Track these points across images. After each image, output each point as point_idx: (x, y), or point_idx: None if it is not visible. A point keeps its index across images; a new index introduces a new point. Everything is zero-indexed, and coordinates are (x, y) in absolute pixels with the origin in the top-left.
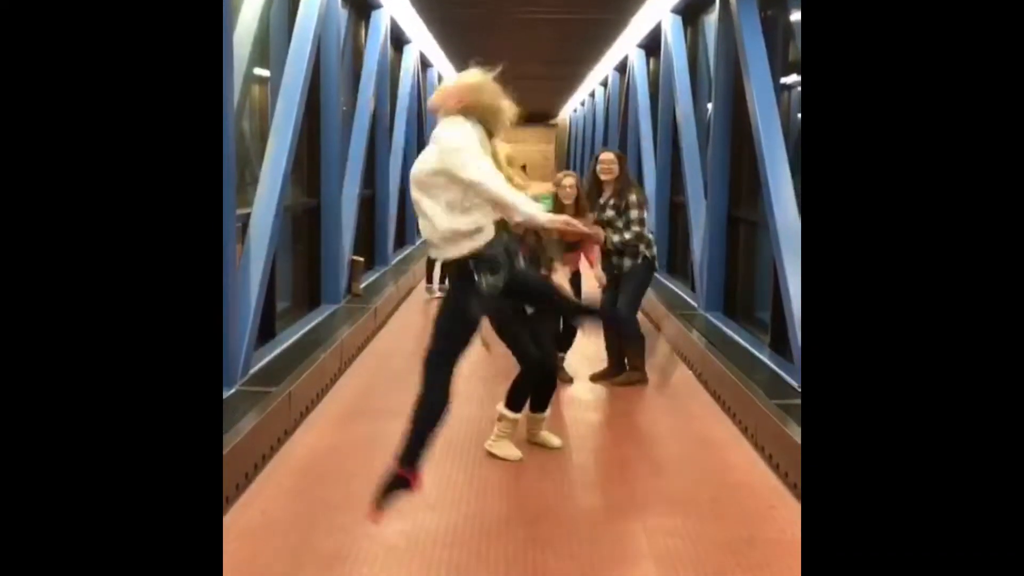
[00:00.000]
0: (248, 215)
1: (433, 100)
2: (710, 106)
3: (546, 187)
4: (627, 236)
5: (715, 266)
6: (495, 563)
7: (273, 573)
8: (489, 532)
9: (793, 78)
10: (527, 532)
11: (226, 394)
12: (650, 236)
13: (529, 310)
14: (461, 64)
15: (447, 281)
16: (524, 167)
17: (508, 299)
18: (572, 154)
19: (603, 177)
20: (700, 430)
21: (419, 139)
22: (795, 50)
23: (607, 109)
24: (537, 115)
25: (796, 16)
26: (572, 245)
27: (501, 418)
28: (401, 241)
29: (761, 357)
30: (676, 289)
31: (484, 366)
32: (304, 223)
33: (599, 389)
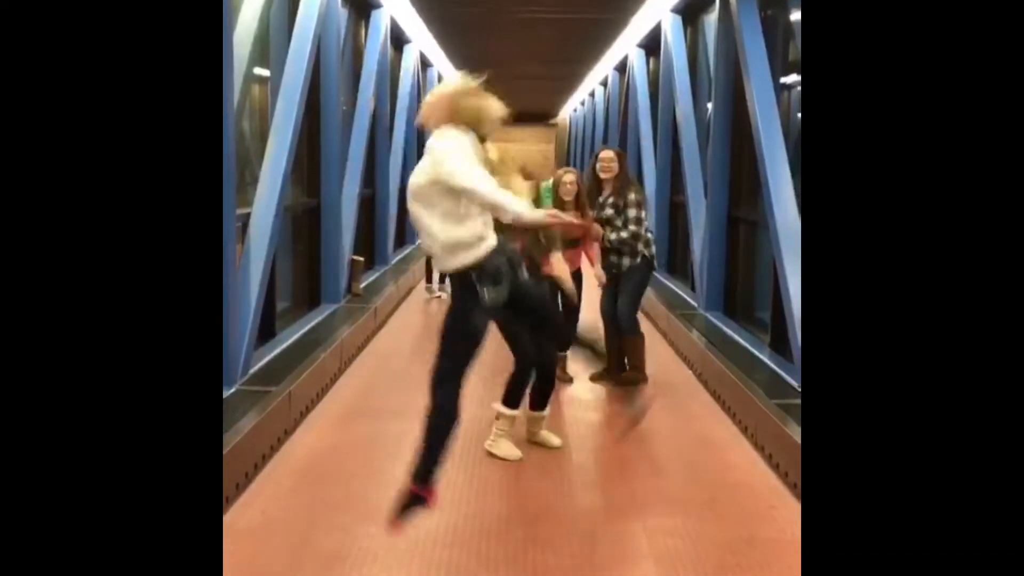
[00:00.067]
0: (248, 215)
1: (420, 116)
2: (710, 106)
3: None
4: (624, 235)
5: (715, 266)
6: (495, 563)
7: (273, 573)
8: (489, 532)
9: (793, 78)
10: (527, 532)
11: (226, 394)
12: (649, 235)
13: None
14: (461, 64)
15: (449, 288)
16: (524, 169)
17: (509, 310)
18: (572, 154)
19: (603, 175)
20: (700, 430)
21: (419, 139)
22: (795, 50)
23: (607, 109)
24: (537, 115)
25: (796, 16)
26: (573, 242)
27: (499, 416)
28: (401, 241)
29: (761, 357)
30: (676, 289)
31: (484, 366)
32: (304, 223)
33: (599, 389)
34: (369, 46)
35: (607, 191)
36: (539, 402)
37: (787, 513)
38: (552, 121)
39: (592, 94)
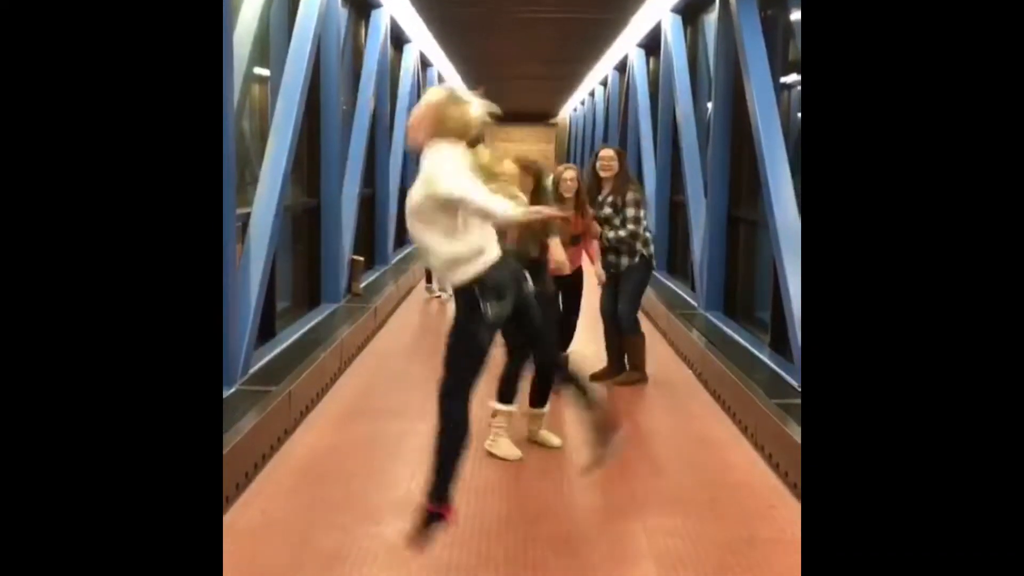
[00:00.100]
0: (248, 215)
1: (408, 138)
2: (710, 106)
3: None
4: (623, 233)
5: (715, 266)
6: (495, 562)
7: (273, 573)
8: (489, 532)
9: (793, 78)
10: (527, 532)
11: (226, 393)
12: (647, 235)
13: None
14: (461, 64)
15: (450, 289)
16: (521, 159)
17: (512, 323)
18: (572, 153)
19: (602, 174)
20: (700, 430)
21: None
22: (795, 50)
23: (607, 109)
24: (537, 114)
25: (796, 16)
26: (573, 240)
27: (495, 414)
28: (401, 240)
29: (761, 357)
30: (676, 289)
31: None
32: (304, 223)
33: (599, 389)
34: (369, 46)
35: (606, 190)
36: (539, 400)
37: (787, 513)
38: (552, 121)
39: (592, 94)
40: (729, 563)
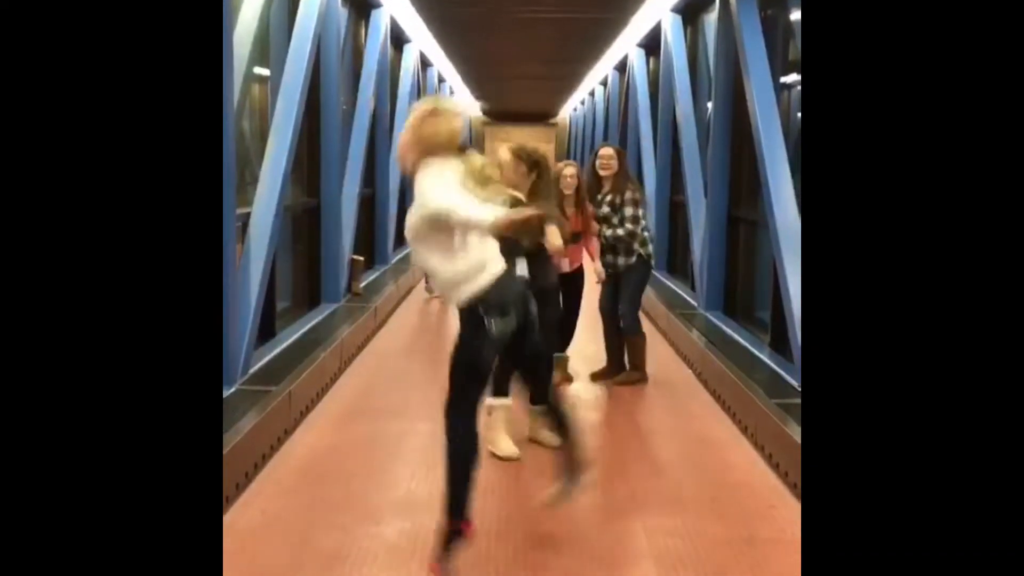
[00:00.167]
0: (248, 215)
1: (400, 165)
2: (710, 105)
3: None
4: (621, 232)
5: (715, 266)
6: (495, 562)
7: (273, 572)
8: (489, 532)
9: (793, 77)
10: (527, 531)
11: (226, 393)
12: (645, 234)
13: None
14: (461, 64)
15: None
16: (519, 149)
17: (518, 339)
18: (572, 153)
19: (602, 173)
20: (700, 429)
21: None
22: (795, 49)
23: (607, 108)
24: (537, 114)
25: (796, 15)
26: (574, 238)
27: (490, 411)
28: (401, 240)
29: (761, 356)
30: (676, 288)
31: None
32: (304, 223)
33: (599, 389)
34: (369, 46)
35: (606, 188)
36: (538, 397)
37: (787, 513)
38: (552, 121)
39: (592, 94)
40: (729, 563)
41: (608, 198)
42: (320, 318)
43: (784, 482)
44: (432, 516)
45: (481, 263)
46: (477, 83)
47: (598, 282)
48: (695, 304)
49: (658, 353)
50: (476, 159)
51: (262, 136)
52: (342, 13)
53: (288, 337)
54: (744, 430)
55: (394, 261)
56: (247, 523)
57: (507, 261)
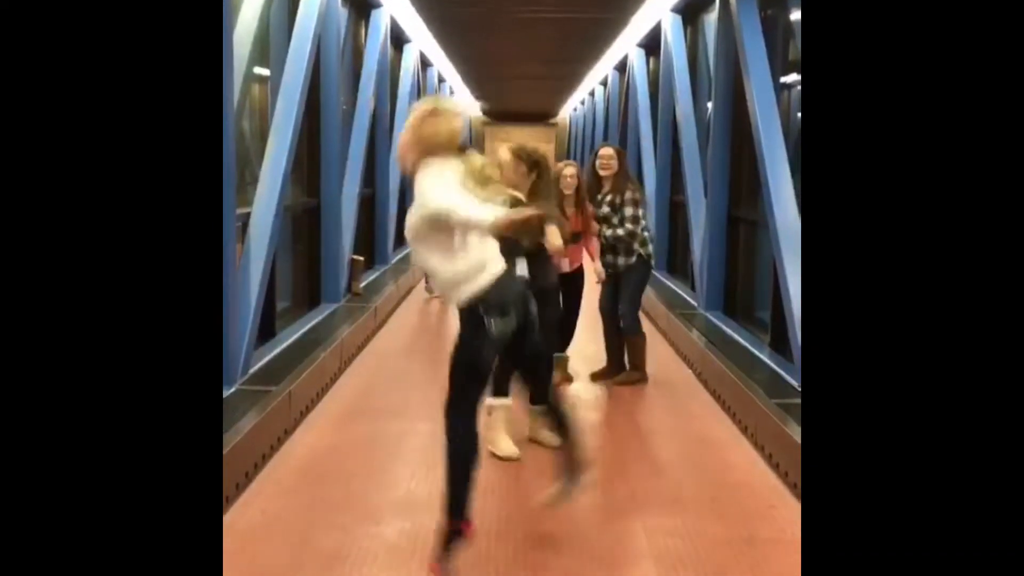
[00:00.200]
0: (248, 215)
1: (400, 166)
2: (710, 105)
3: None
4: (620, 232)
5: (715, 266)
6: (495, 562)
7: (273, 572)
8: (489, 532)
9: (793, 77)
10: (527, 531)
11: (226, 393)
12: (645, 234)
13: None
14: (461, 64)
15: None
16: (517, 149)
17: (518, 339)
18: (572, 153)
19: (602, 173)
20: (700, 429)
21: None
22: (795, 49)
23: (607, 108)
24: (537, 114)
25: (796, 15)
26: (574, 238)
27: (490, 411)
28: (401, 240)
29: (761, 356)
30: (676, 288)
31: None
32: (304, 223)
33: (599, 389)
34: (369, 46)
35: (606, 188)
36: (538, 396)
37: (787, 513)
38: (552, 120)
39: (592, 94)
40: (729, 563)
41: (608, 198)
42: (320, 318)
43: (784, 482)
44: (432, 516)
45: (481, 263)
46: (477, 83)
47: (598, 282)
48: (695, 304)
49: (658, 353)
50: (476, 159)
51: (262, 136)
52: (342, 13)
53: (288, 337)
54: (744, 430)
55: (394, 261)
56: (247, 523)
57: (507, 261)
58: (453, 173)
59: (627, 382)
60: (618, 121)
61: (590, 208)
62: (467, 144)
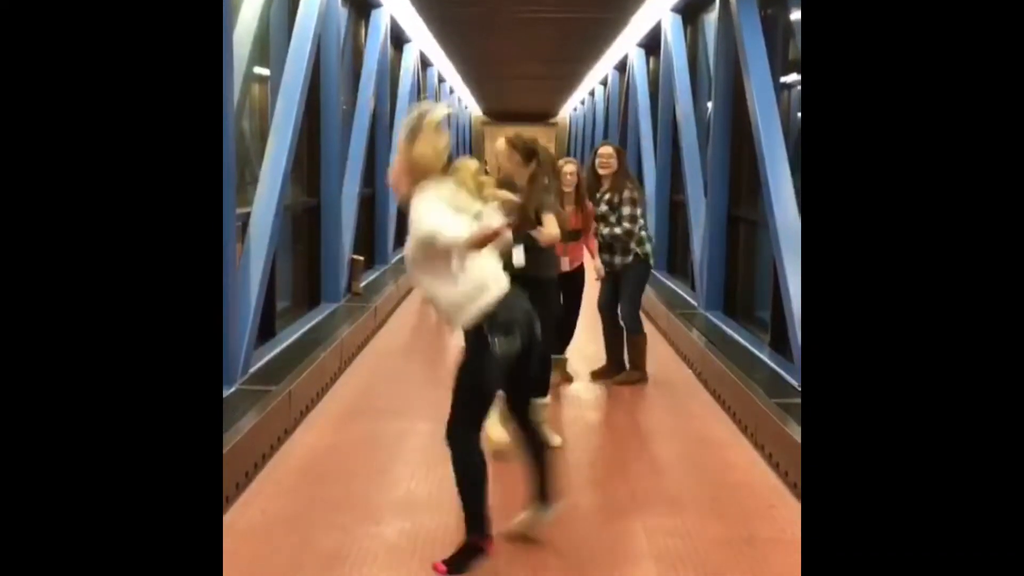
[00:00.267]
0: (248, 214)
1: (395, 195)
2: (710, 105)
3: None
4: (617, 231)
5: (715, 265)
6: (495, 563)
7: (273, 572)
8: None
9: (793, 77)
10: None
11: (226, 393)
12: (643, 234)
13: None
14: (461, 64)
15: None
16: (511, 138)
17: (518, 361)
18: (572, 153)
19: (601, 171)
20: (700, 429)
21: None
22: (795, 49)
23: (607, 108)
24: (537, 114)
25: (796, 15)
26: (575, 236)
27: None
28: (401, 240)
29: (761, 356)
30: (676, 288)
31: None
32: (304, 222)
33: (599, 388)
34: (369, 46)
35: (605, 187)
36: (538, 388)
37: (787, 513)
38: (552, 120)
39: (592, 93)
40: (729, 562)
41: (606, 197)
42: (320, 318)
43: (784, 482)
44: (432, 516)
45: (482, 283)
46: (477, 83)
47: (597, 279)
48: (695, 304)
49: (658, 353)
50: (466, 169)
51: (262, 136)
52: (342, 13)
53: (288, 337)
54: (744, 430)
55: (394, 261)
56: (247, 523)
57: (506, 261)
58: (446, 193)
59: (627, 382)
60: (618, 121)
61: (590, 206)
62: (453, 156)
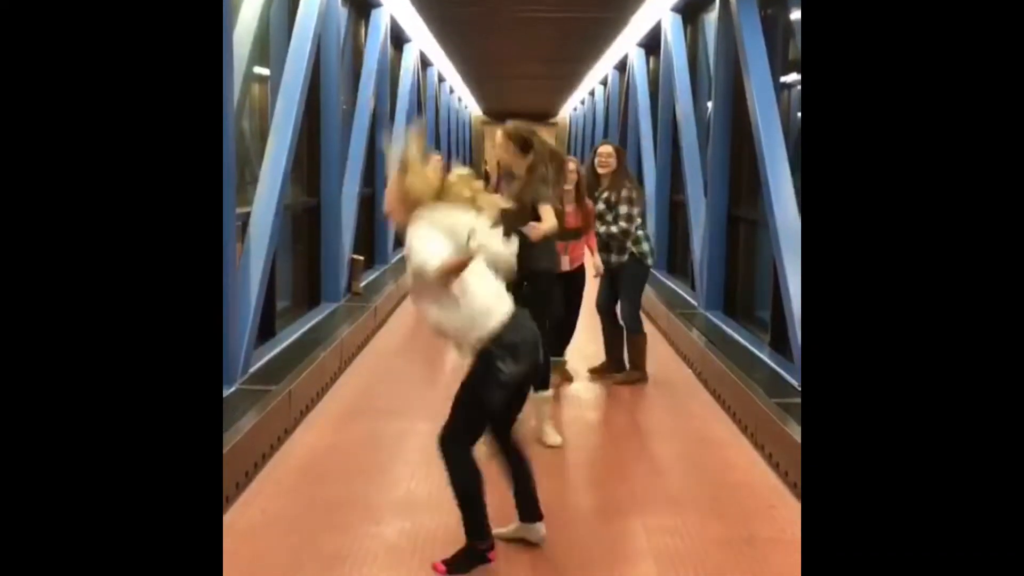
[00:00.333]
0: (248, 214)
1: (395, 222)
2: (710, 105)
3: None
4: (614, 230)
5: (715, 265)
6: (495, 562)
7: (273, 572)
8: None
9: (793, 77)
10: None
11: (226, 393)
12: (639, 233)
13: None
14: (461, 63)
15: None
16: (511, 130)
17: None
18: (572, 153)
19: (600, 170)
20: (700, 429)
21: None
22: (795, 49)
23: (607, 108)
24: (537, 114)
25: (796, 15)
26: (575, 235)
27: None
28: (401, 240)
29: (761, 356)
30: (676, 288)
31: None
32: (304, 222)
33: (599, 388)
34: (369, 45)
35: (603, 186)
36: (540, 381)
37: (787, 513)
38: (552, 120)
39: (592, 93)
40: (729, 562)
41: (605, 195)
42: (320, 318)
43: (784, 482)
44: (432, 516)
45: (486, 307)
46: (477, 83)
47: (595, 276)
48: (695, 304)
49: (658, 353)
50: (457, 184)
51: (262, 136)
52: (342, 13)
53: (288, 336)
54: (744, 430)
55: (394, 261)
56: (247, 523)
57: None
58: (440, 216)
59: (627, 381)
60: (618, 121)
61: (590, 204)
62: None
